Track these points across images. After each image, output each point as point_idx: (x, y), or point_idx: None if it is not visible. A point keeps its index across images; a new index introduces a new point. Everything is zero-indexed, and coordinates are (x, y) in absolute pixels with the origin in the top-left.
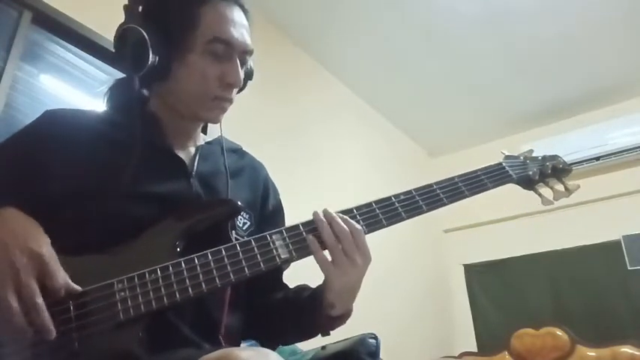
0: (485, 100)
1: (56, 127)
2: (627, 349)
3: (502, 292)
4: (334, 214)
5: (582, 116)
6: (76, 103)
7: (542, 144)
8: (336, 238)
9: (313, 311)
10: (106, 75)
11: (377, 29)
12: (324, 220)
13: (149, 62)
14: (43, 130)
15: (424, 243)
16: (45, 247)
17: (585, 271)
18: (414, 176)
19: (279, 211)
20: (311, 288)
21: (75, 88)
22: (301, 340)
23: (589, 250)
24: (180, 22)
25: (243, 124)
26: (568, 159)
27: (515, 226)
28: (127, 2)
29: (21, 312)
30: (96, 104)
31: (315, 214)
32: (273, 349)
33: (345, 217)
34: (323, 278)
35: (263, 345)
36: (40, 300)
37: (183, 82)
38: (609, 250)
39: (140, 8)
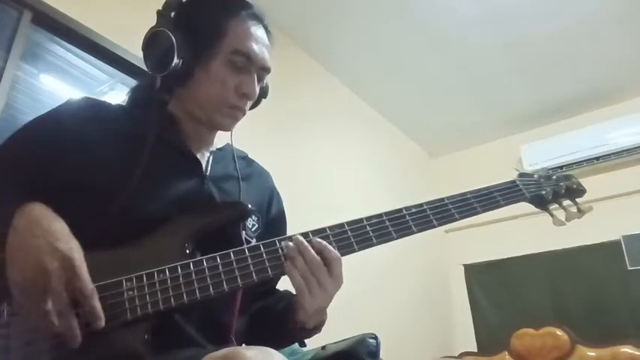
0: (486, 100)
1: (77, 117)
2: (627, 349)
3: (502, 292)
4: (307, 245)
5: (582, 116)
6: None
7: (542, 144)
8: (309, 268)
9: (286, 324)
10: (106, 75)
11: (378, 30)
12: (296, 250)
13: (172, 64)
14: (62, 119)
15: (424, 243)
16: (76, 252)
17: (585, 271)
18: (415, 176)
19: (281, 218)
20: (288, 298)
21: (75, 88)
22: (280, 347)
23: (589, 250)
24: (209, 31)
25: (243, 123)
26: (568, 159)
27: (515, 226)
28: (160, 7)
29: (52, 316)
30: None
31: (288, 246)
32: None
33: (324, 243)
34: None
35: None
36: (68, 307)
37: (203, 87)
38: (609, 250)
39: (172, 14)
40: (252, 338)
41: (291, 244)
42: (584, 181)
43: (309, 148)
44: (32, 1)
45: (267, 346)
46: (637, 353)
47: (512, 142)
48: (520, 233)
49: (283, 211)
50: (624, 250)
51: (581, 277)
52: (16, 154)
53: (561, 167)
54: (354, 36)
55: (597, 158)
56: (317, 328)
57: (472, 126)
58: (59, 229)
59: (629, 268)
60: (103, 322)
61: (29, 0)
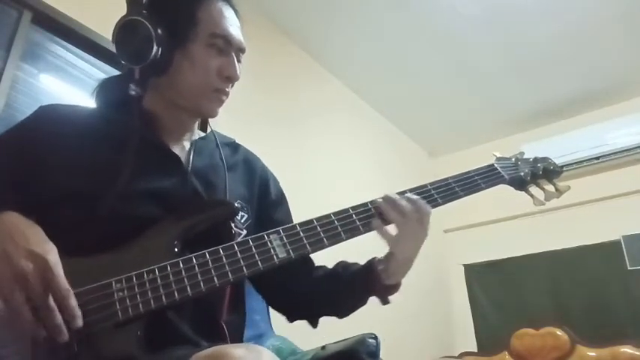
0: (486, 100)
1: (51, 124)
2: (627, 349)
3: (502, 292)
4: (398, 197)
5: (582, 116)
6: (76, 103)
7: (542, 144)
8: (402, 215)
9: (370, 280)
10: (106, 75)
11: (377, 29)
12: (387, 202)
13: (152, 54)
14: (37, 127)
15: (424, 243)
16: (51, 253)
17: (585, 271)
18: (414, 176)
19: (282, 198)
20: (356, 263)
21: (75, 88)
22: (352, 312)
23: (589, 250)
24: (184, 16)
25: (243, 122)
26: (568, 159)
27: (515, 226)
28: None
29: (33, 318)
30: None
31: (376, 201)
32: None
33: (414, 197)
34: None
35: (312, 321)
36: (52, 303)
37: (184, 74)
38: (609, 250)
39: (144, 1)
40: (316, 307)
41: (380, 199)
42: (584, 181)
43: (308, 148)
44: (32, 1)
45: (341, 310)
46: (637, 353)
47: (512, 142)
48: (520, 233)
49: (282, 192)
50: (624, 250)
51: (581, 277)
52: None
53: (561, 167)
54: (353, 35)
55: (597, 158)
56: (396, 287)
57: (472, 126)
58: (33, 234)
59: (629, 268)
60: (80, 321)
61: (29, 0)
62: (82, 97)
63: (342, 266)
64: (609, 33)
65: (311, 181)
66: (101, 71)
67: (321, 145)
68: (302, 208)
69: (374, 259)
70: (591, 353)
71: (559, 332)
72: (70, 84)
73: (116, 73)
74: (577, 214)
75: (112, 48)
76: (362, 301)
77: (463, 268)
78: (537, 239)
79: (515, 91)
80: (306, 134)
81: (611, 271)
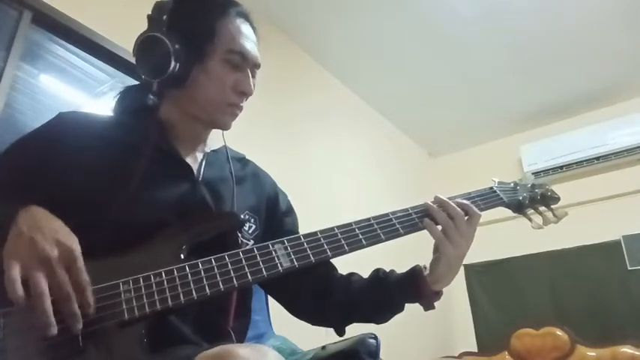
0: (486, 100)
1: (68, 130)
2: (627, 349)
3: (502, 292)
4: (447, 200)
5: (582, 116)
6: (76, 103)
7: (542, 144)
8: (450, 219)
9: (417, 286)
10: (106, 75)
11: (378, 30)
12: (434, 205)
13: (170, 69)
14: (54, 133)
15: (424, 243)
16: (75, 244)
17: (585, 271)
18: (414, 176)
19: (291, 210)
20: (393, 271)
21: (75, 88)
22: (389, 318)
23: (589, 250)
24: (202, 32)
25: (243, 123)
26: (568, 159)
27: (515, 226)
28: (150, 12)
29: (49, 303)
30: (96, 104)
31: (426, 204)
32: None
33: (466, 202)
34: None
35: (338, 329)
36: (71, 290)
37: (201, 87)
38: (609, 250)
39: (164, 18)
40: (354, 314)
41: (429, 202)
42: (585, 181)
43: (308, 148)
44: (32, 1)
45: (379, 317)
46: (637, 353)
47: (512, 142)
48: (520, 233)
49: (291, 205)
50: (624, 250)
51: (581, 277)
52: (9, 168)
53: (561, 167)
54: (354, 36)
55: (597, 158)
56: (439, 295)
57: (472, 126)
58: (59, 226)
59: (629, 268)
60: (93, 310)
61: (29, 0)
62: (81, 97)
63: (383, 273)
64: (609, 33)
65: (311, 181)
66: (101, 71)
67: (320, 145)
68: (302, 208)
69: (417, 265)
70: (591, 353)
71: (559, 332)
72: (70, 84)
73: (116, 73)
74: (577, 214)
75: (112, 48)
76: (401, 308)
77: (463, 267)
78: (537, 239)
79: (515, 91)
80: (305, 134)
81: (611, 271)
